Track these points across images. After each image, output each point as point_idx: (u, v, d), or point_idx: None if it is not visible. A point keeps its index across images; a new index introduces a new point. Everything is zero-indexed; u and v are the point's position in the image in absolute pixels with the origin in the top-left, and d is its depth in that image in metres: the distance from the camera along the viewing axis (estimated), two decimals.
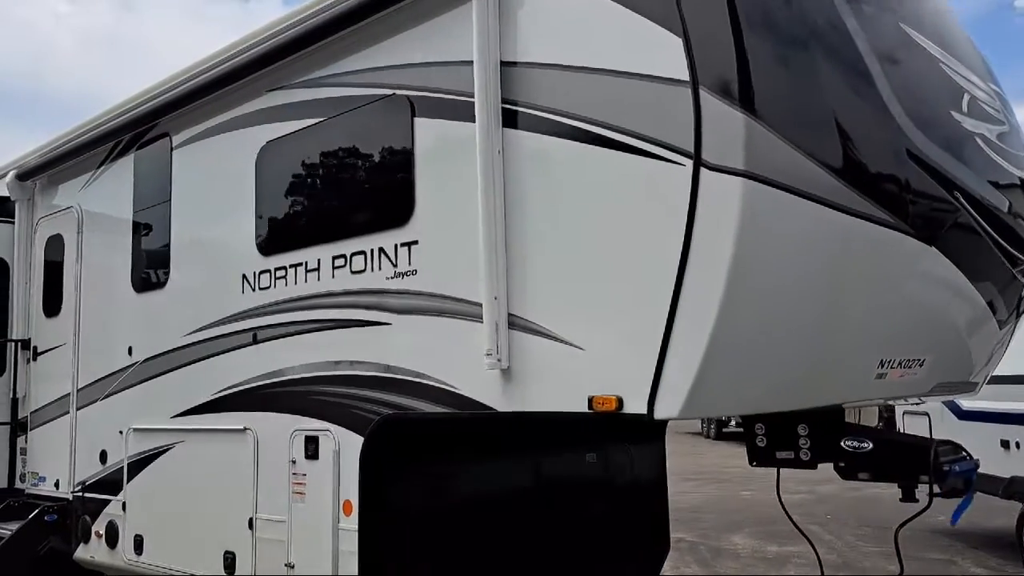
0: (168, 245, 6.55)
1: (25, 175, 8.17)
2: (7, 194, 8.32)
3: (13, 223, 8.35)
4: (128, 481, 6.67)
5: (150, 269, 6.78)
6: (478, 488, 5.43)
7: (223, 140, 6.15)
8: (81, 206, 7.62)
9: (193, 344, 6.21)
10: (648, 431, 6.68)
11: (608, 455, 6.38)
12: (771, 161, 3.36)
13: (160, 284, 6.59)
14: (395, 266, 4.85)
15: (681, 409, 3.52)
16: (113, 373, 6.97)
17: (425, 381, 4.65)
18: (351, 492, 4.94)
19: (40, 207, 8.22)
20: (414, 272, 4.74)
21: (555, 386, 4.01)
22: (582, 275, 3.95)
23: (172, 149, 6.60)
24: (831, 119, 3.50)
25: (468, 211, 4.42)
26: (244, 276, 5.84)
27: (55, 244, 7.89)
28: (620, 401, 3.71)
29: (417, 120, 4.77)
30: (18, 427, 8.12)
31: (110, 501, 6.86)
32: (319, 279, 5.31)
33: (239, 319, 5.85)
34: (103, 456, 6.99)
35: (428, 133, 4.73)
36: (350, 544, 4.89)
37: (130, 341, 6.83)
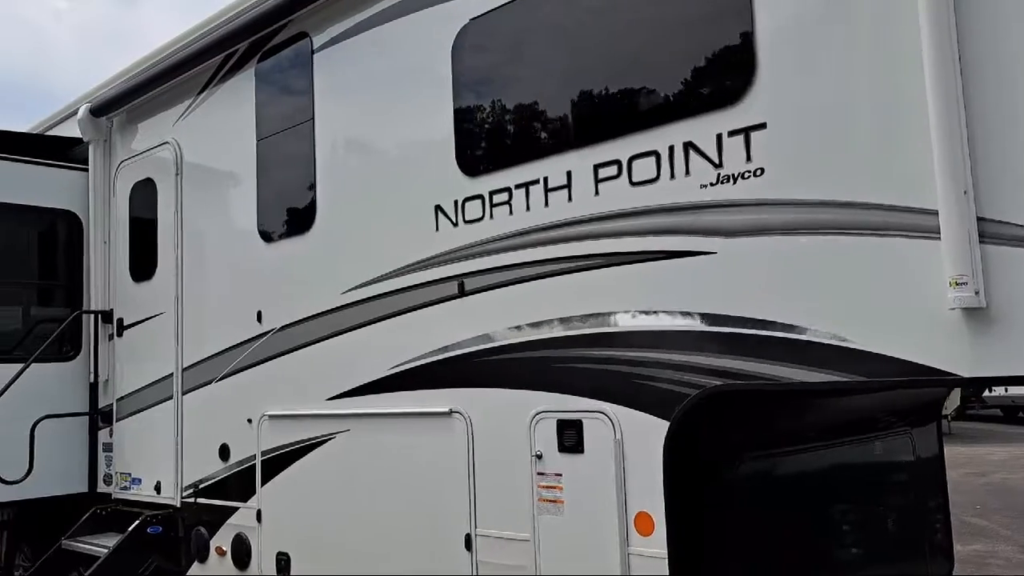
0: (312, 177, 4.93)
1: (101, 109, 6.54)
2: (78, 135, 6.69)
3: (86, 170, 6.72)
4: (263, 483, 5.08)
5: (286, 210, 5.16)
6: (792, 483, 3.85)
7: (394, 29, 4.53)
8: (179, 142, 5.99)
9: (359, 303, 4.60)
10: (926, 411, 5.09)
11: (892, 442, 4.78)
12: None
13: (303, 229, 4.98)
14: (719, 166, 3.23)
15: None
16: (235, 347, 5.37)
17: (788, 335, 3.04)
18: (649, 501, 3.35)
19: (120, 149, 6.60)
20: (759, 172, 3.13)
21: None
22: None
23: (313, 52, 4.98)
24: None
25: (874, 62, 2.82)
26: (439, 207, 4.23)
27: (144, 192, 6.28)
28: None
29: None
30: (100, 418, 6.53)
31: (236, 509, 5.27)
32: (570, 200, 3.70)
33: (433, 265, 4.24)
34: (224, 451, 5.40)
35: None
36: None
37: (259, 305, 5.22)
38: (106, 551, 5.61)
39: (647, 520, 3.37)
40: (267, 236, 5.23)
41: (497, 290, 3.95)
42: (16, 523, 7.00)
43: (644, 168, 3.45)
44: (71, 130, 6.86)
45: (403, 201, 4.42)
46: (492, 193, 4.00)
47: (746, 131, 3.16)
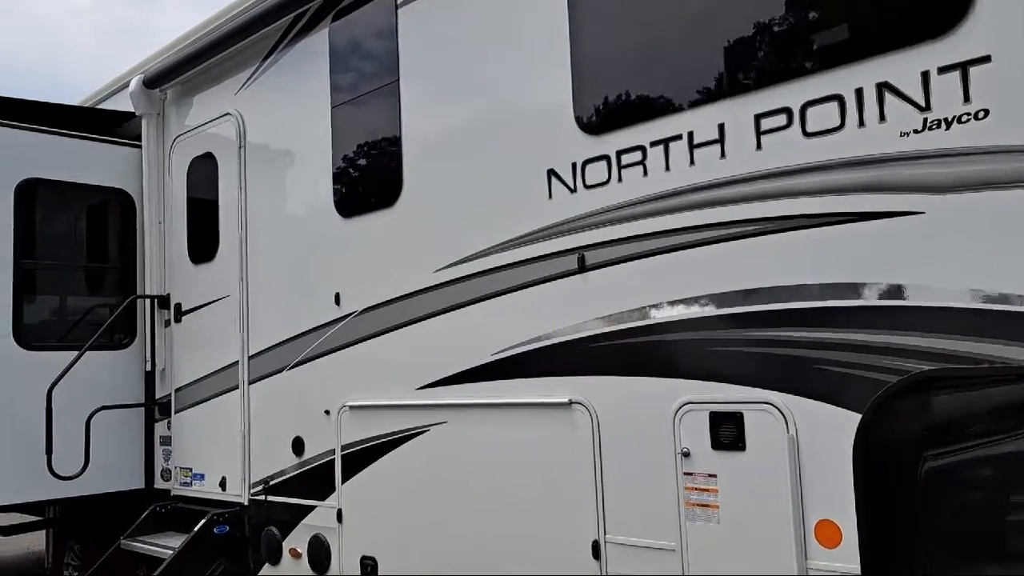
0: (398, 144, 4.39)
1: (155, 81, 6.02)
2: (130, 108, 6.18)
3: (137, 146, 6.20)
4: (344, 480, 4.56)
5: (367, 182, 4.62)
6: (987, 480, 3.27)
7: None
8: (241, 113, 5.46)
9: (454, 282, 4.06)
10: None
11: None
12: None
13: (387, 202, 4.43)
14: (926, 110, 2.66)
15: None
16: (309, 332, 4.85)
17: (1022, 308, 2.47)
18: (834, 507, 2.79)
19: (175, 123, 6.08)
20: (981, 114, 2.55)
21: None
22: None
23: (398, 7, 4.43)
24: None
25: None
26: (552, 172, 3.67)
27: (203, 167, 5.76)
28: None
29: None
30: (157, 409, 6.03)
31: (313, 508, 4.76)
32: (723, 156, 3.13)
33: (545, 238, 3.69)
34: (298, 445, 4.89)
35: None
36: None
37: (336, 286, 4.69)
38: (170, 552, 5.11)
39: (832, 529, 2.81)
40: (345, 211, 4.69)
41: (628, 263, 3.40)
42: (64, 520, 6.56)
43: (823, 116, 2.88)
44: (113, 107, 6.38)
45: (507, 167, 3.87)
46: (620, 153, 3.44)
47: (963, 66, 2.58)
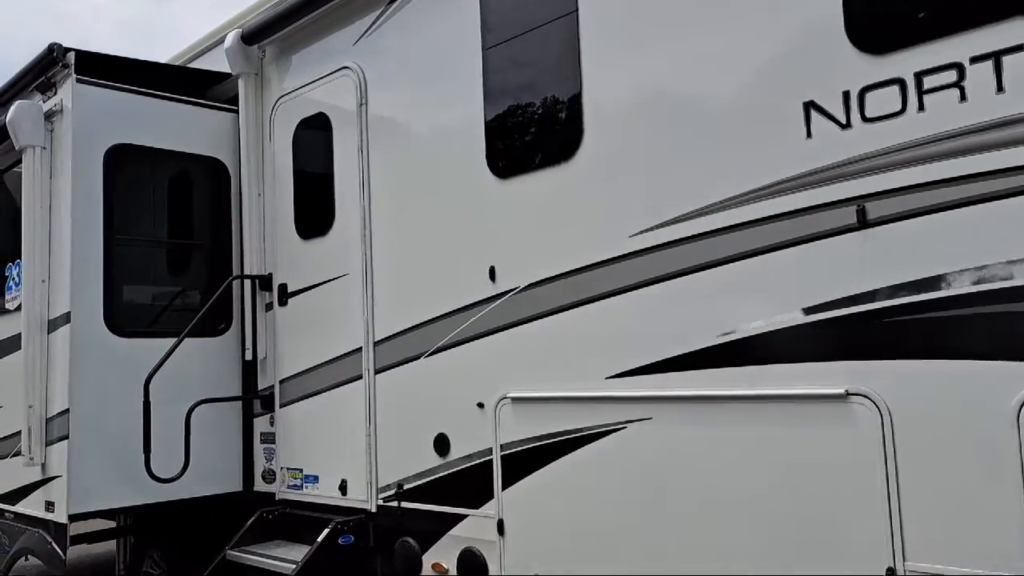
0: (577, 86, 3.57)
1: (255, 35, 5.22)
2: (226, 68, 5.38)
3: (233, 111, 5.41)
4: (506, 486, 3.75)
5: (533, 135, 3.79)
6: None
7: None
8: (362, 66, 4.65)
9: (663, 247, 3.25)
10: None
11: None
12: None
13: (562, 156, 3.61)
14: None
15: None
16: (454, 312, 4.04)
17: None
18: None
19: (276, 83, 5.27)
20: None
21: None
22: None
23: None
24: None
25: None
26: (812, 104, 2.85)
27: (313, 130, 4.96)
28: None
29: None
30: (259, 403, 5.25)
31: (463, 517, 3.96)
32: None
33: (801, 187, 2.87)
34: (441, 444, 4.08)
35: None
36: None
37: (491, 259, 3.88)
38: (292, 566, 4.31)
39: None
40: (502, 171, 3.87)
41: (938, 215, 2.57)
42: (146, 524, 5.77)
43: None
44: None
45: (740, 102, 3.04)
46: (921, 75, 2.61)
47: None
